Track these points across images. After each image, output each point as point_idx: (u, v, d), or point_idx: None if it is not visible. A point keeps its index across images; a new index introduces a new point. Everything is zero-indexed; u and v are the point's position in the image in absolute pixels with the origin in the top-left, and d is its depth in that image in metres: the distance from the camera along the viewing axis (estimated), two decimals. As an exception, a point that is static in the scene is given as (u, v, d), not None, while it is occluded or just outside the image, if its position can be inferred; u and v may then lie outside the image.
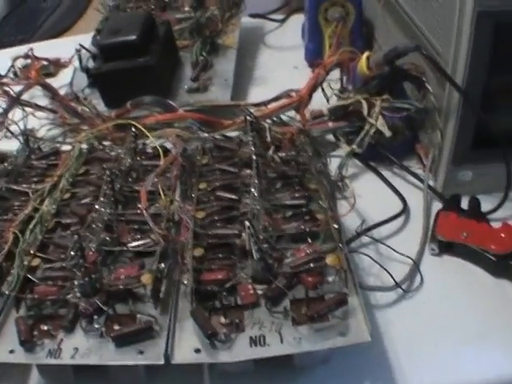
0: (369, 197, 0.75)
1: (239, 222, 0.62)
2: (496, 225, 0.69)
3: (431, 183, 0.77)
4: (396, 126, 0.78)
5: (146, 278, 0.55)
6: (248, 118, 0.76)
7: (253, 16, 1.26)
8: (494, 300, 0.63)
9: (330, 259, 0.56)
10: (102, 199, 0.65)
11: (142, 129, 0.75)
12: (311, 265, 0.56)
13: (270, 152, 0.71)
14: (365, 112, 0.75)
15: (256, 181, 0.64)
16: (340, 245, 0.57)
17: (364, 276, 0.65)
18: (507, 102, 0.71)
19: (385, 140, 0.77)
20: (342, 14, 0.99)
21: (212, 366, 0.55)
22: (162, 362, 0.50)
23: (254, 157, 0.66)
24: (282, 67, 1.06)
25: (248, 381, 0.55)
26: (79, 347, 0.52)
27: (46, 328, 0.55)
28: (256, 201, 0.62)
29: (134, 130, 0.77)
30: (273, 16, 1.29)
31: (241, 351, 0.51)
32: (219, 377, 0.55)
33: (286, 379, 0.56)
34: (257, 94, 0.98)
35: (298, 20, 1.15)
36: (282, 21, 1.28)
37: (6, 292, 0.57)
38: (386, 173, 0.80)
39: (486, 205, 0.72)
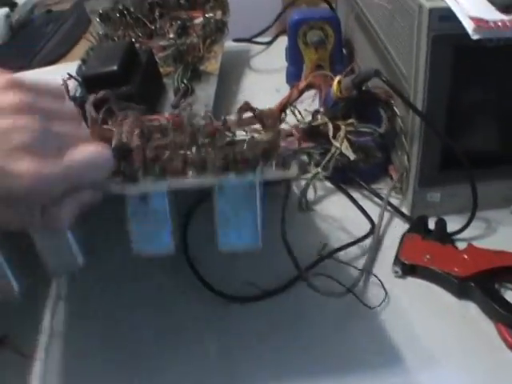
0: (339, 218, 0.78)
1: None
2: (462, 245, 0.71)
3: (398, 204, 0.80)
4: (368, 148, 0.80)
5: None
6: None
7: (236, 40, 1.29)
8: (456, 321, 0.65)
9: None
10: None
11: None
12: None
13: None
14: (330, 134, 0.78)
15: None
16: None
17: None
18: (472, 123, 0.74)
19: (357, 162, 0.79)
20: (321, 37, 1.02)
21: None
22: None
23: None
24: (264, 90, 1.09)
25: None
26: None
27: None
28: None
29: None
30: (259, 39, 1.32)
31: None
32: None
33: None
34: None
35: (284, 42, 1.16)
36: (269, 43, 1.31)
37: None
38: (356, 194, 0.83)
39: (455, 225, 0.74)
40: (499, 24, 0.61)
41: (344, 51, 1.11)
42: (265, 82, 1.15)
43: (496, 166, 0.75)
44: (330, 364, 0.61)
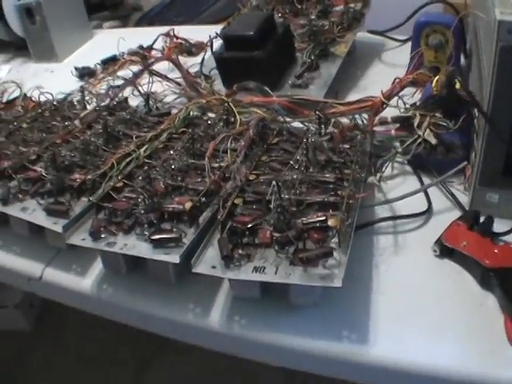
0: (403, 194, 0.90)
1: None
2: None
3: (464, 198, 0.91)
4: (451, 144, 0.93)
5: (187, 205, 0.79)
6: (317, 112, 0.97)
7: (371, 32, 1.43)
8: (472, 307, 0.75)
9: (331, 221, 0.74)
10: (179, 148, 0.91)
11: (231, 105, 0.99)
12: (317, 224, 0.75)
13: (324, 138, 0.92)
14: (415, 124, 0.92)
15: (298, 157, 0.85)
16: (345, 213, 0.75)
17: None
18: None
19: (437, 154, 0.93)
20: (441, 41, 1.14)
21: (229, 290, 0.78)
22: (177, 261, 0.73)
23: (305, 139, 0.88)
24: (384, 82, 1.19)
25: (254, 305, 0.76)
26: (128, 244, 0.77)
27: (111, 228, 0.80)
28: (292, 170, 0.83)
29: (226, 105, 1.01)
30: (394, 35, 1.44)
31: (244, 273, 0.71)
32: (233, 299, 0.78)
33: (281, 312, 0.76)
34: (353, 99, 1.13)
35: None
36: (403, 41, 1.41)
37: (91, 199, 0.85)
38: (427, 181, 0.96)
39: (504, 227, 0.83)
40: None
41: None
42: (387, 74, 1.22)
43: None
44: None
